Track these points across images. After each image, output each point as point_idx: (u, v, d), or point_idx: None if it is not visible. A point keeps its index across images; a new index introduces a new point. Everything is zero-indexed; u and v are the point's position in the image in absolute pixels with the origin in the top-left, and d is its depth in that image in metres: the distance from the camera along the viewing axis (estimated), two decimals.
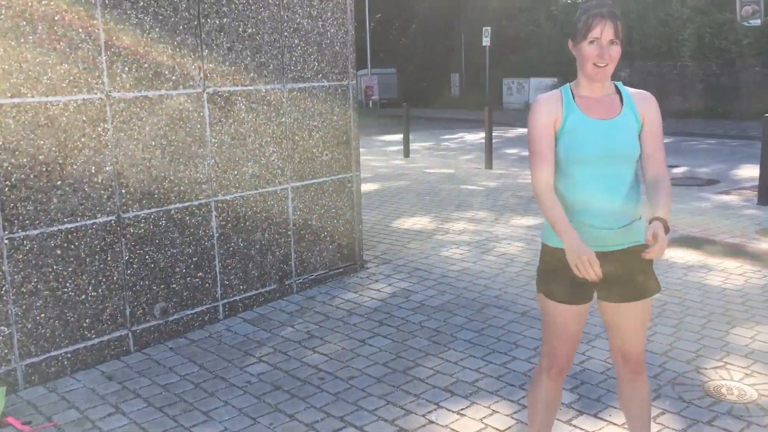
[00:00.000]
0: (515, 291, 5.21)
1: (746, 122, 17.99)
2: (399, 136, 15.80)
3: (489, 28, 26.13)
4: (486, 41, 26.15)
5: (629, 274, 2.63)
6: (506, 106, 25.61)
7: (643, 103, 2.63)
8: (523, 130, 19.00)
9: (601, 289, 2.68)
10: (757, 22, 19.09)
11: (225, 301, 4.89)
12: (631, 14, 21.68)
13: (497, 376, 3.90)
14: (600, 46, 2.48)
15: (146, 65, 4.31)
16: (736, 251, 6.09)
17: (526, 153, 10.49)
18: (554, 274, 2.63)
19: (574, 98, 2.60)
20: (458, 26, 29.38)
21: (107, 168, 4.17)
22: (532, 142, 2.62)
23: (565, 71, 24.07)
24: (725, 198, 8.76)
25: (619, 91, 2.64)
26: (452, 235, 6.86)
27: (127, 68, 4.22)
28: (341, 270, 5.66)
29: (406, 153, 13.70)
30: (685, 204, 8.22)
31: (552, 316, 2.71)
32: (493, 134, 12.22)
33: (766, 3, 19.07)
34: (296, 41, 5.13)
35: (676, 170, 11.47)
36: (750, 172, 11.05)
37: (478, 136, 17.88)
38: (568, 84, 2.66)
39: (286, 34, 5.05)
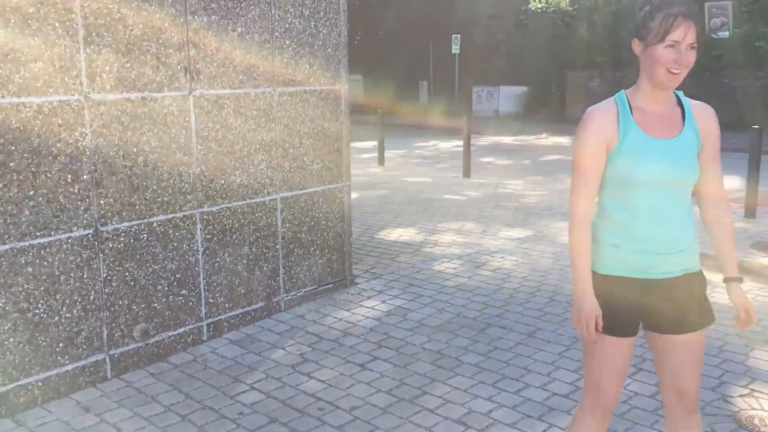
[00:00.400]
0: (517, 309, 4.94)
1: None
2: (370, 143, 15.50)
3: (458, 35, 26.02)
4: (455, 49, 26.03)
5: (681, 304, 2.40)
6: (476, 114, 25.45)
7: (705, 120, 2.38)
8: (494, 139, 18.87)
9: (650, 320, 2.43)
10: (726, 34, 19.26)
11: (209, 320, 4.53)
12: (600, 25, 21.77)
13: (512, 405, 3.61)
14: (678, 50, 2.20)
15: (128, 64, 3.94)
16: None
17: (501, 162, 10.21)
18: (604, 301, 2.37)
19: (631, 111, 2.33)
20: (426, 33, 29.22)
21: (84, 177, 3.79)
22: (577, 162, 2.35)
23: (534, 80, 24.12)
24: None
25: (680, 103, 2.38)
26: (442, 248, 6.58)
27: (107, 67, 3.84)
28: (331, 285, 5.33)
29: (381, 161, 13.41)
30: None
31: (597, 349, 2.44)
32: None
33: (735, 16, 19.27)
34: (287, 42, 4.80)
35: None
36: (729, 183, 11.00)
37: (451, 144, 17.67)
38: (623, 92, 2.39)
39: (277, 34, 4.72)
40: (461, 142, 17.64)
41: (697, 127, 2.35)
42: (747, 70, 18.49)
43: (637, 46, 2.30)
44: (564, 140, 18.43)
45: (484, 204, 8.85)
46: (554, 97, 23.34)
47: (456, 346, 4.35)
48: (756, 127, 8.10)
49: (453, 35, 26.14)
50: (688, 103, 2.39)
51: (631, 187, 2.31)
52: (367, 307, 5.03)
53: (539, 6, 24.65)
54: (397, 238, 7.01)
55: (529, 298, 5.16)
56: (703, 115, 2.38)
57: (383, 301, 5.15)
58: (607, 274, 2.39)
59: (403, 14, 30.16)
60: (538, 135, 19.58)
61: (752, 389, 3.72)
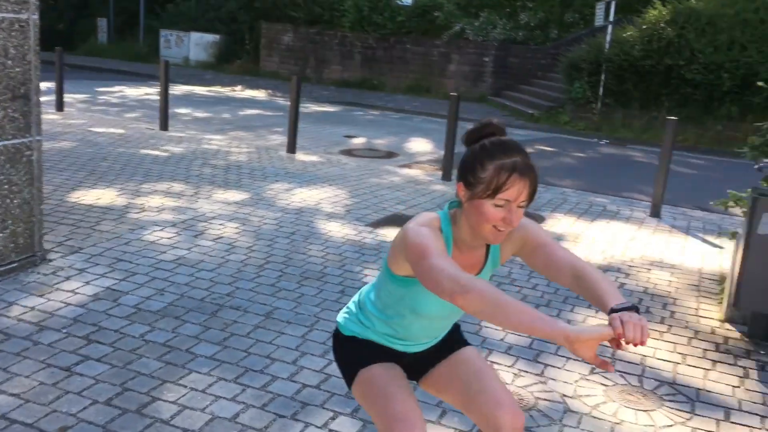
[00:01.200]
0: (248, 286, 4.45)
1: (399, 96, 19.18)
2: (42, 85, 13.54)
3: None
4: None
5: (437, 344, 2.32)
6: (164, 60, 23.85)
7: (512, 240, 2.07)
8: (187, 88, 17.80)
9: (414, 364, 2.30)
10: (409, 1, 20.38)
11: None
12: None
13: (261, 405, 3.16)
14: (509, 209, 1.87)
15: None
16: None
17: (199, 114, 9.54)
18: (362, 350, 2.22)
19: (452, 244, 2.01)
20: None
21: None
22: (427, 249, 1.84)
23: (226, 29, 23.25)
24: (410, 172, 8.94)
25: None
26: (151, 214, 5.78)
27: None
28: (15, 264, 4.31)
29: (59, 106, 11.73)
30: (380, 178, 8.17)
31: (379, 383, 2.15)
32: (158, 90, 10.97)
33: None
34: None
35: (356, 141, 11.56)
36: (419, 146, 11.60)
37: (139, 92, 16.24)
38: (448, 217, 2.01)
39: None
40: (151, 90, 16.34)
41: (499, 258, 2.11)
42: (426, 38, 19.82)
43: (461, 190, 1.93)
44: (260, 95, 18.06)
45: (190, 162, 8.10)
46: (248, 48, 22.77)
47: (185, 335, 3.74)
48: (454, 94, 8.49)
49: None
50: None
51: (413, 314, 2.11)
52: (67, 291, 4.15)
53: None
54: (94, 201, 6.02)
55: (260, 272, 4.70)
56: (511, 239, 2.07)
57: (87, 282, 4.30)
58: (354, 337, 2.23)
59: None
60: (233, 87, 18.93)
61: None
